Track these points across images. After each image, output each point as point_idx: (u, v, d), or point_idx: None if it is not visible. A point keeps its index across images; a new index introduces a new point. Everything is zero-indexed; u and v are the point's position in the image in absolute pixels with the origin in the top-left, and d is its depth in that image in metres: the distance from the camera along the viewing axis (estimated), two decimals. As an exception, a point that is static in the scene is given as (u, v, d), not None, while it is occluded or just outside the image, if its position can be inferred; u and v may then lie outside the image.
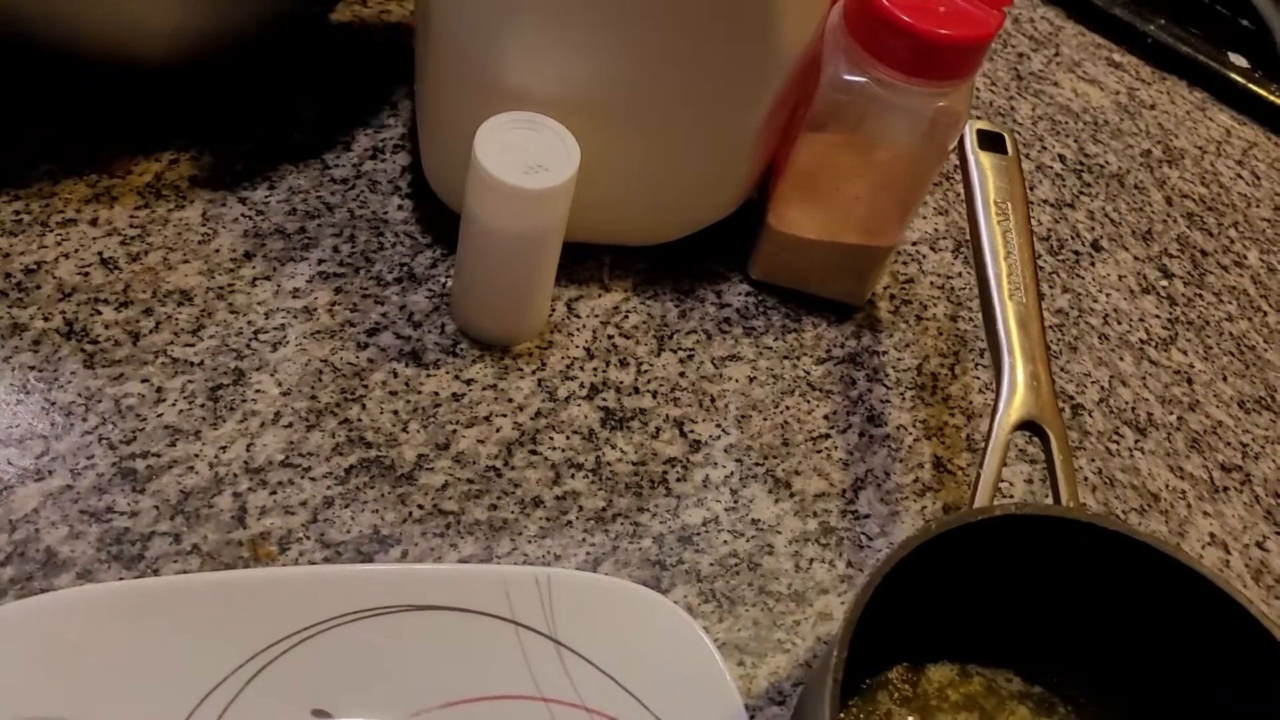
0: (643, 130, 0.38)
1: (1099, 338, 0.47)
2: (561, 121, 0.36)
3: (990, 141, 0.40)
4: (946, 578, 0.33)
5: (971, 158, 0.39)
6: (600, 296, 0.43)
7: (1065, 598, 0.34)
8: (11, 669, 0.29)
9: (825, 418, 0.41)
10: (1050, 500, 0.34)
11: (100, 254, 0.39)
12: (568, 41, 0.35)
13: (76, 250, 0.39)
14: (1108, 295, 0.49)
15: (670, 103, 0.37)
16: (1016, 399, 0.34)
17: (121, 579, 0.32)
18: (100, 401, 0.36)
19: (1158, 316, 0.49)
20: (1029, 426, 0.34)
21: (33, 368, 0.36)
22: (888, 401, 0.42)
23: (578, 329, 0.41)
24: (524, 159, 0.35)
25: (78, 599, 0.30)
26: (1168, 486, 0.43)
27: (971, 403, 0.43)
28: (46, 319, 0.37)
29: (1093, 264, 0.50)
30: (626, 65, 0.36)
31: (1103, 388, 0.46)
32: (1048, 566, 0.34)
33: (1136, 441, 0.44)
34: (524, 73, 0.36)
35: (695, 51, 0.35)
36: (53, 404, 0.35)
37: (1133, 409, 0.45)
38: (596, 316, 0.42)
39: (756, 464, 0.39)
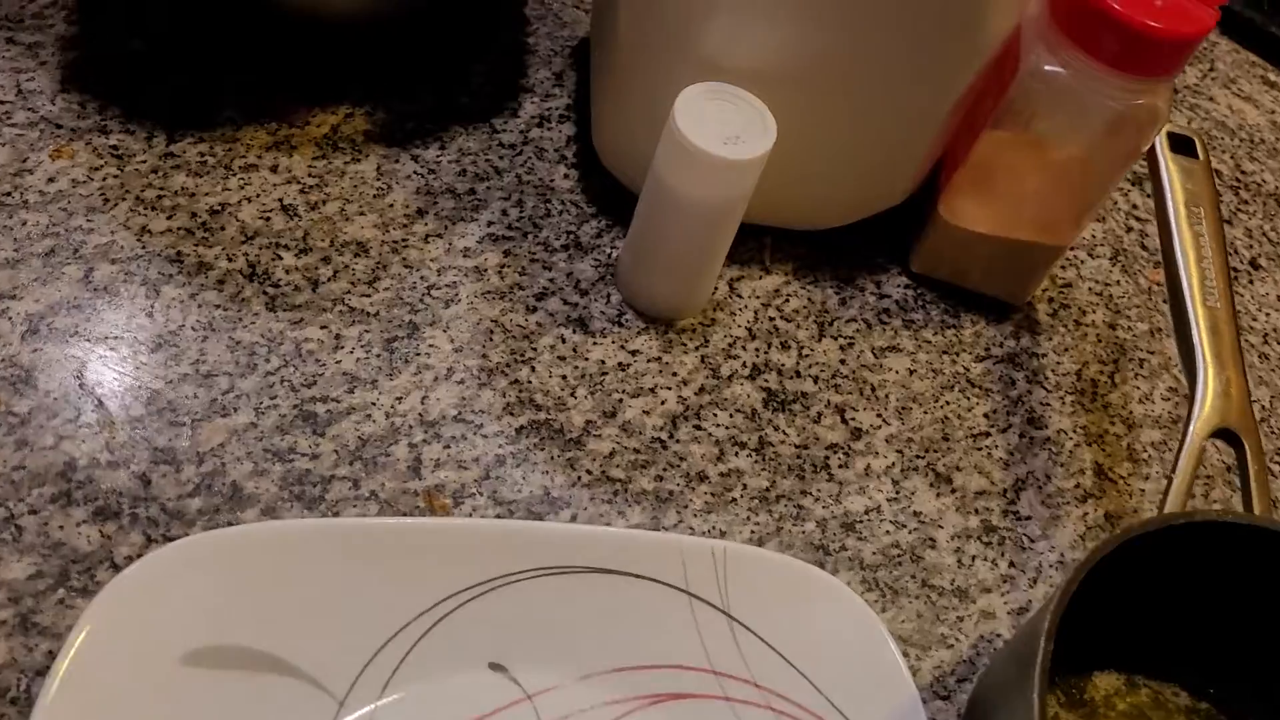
0: (833, 110, 0.37)
1: (1259, 356, 0.46)
2: (753, 94, 0.36)
3: (1179, 145, 0.40)
4: (1121, 583, 0.32)
5: (1162, 160, 0.38)
6: (761, 278, 0.42)
7: (1240, 611, 0.33)
8: (203, 596, 0.29)
9: (985, 416, 0.41)
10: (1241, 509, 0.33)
11: (280, 200, 0.39)
12: (774, 15, 0.35)
13: (258, 195, 0.39)
14: (1267, 314, 0.48)
15: (865, 83, 0.36)
16: (1208, 406, 0.34)
17: (304, 518, 0.33)
18: (282, 344, 0.36)
19: (1317, 340, 0.48)
20: (1222, 435, 0.33)
21: (218, 306, 0.36)
22: (1047, 405, 0.42)
23: (740, 309, 0.41)
24: (721, 130, 0.34)
25: (269, 533, 0.31)
26: (1332, 513, 0.42)
27: (1132, 412, 0.42)
28: (230, 259, 0.37)
29: (1251, 282, 0.49)
30: (828, 42, 0.35)
31: (1264, 407, 0.44)
32: (1226, 578, 0.33)
33: (1299, 464, 0.43)
34: (724, 45, 0.35)
35: (899, 32, 0.35)
36: (237, 343, 0.36)
37: (1294, 431, 0.44)
38: (758, 298, 0.42)
39: (917, 456, 0.39)
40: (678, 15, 0.36)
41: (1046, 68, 0.36)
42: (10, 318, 0.34)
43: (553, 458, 0.36)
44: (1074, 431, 0.41)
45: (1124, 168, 0.38)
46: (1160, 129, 0.37)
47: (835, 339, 0.41)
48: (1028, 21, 0.37)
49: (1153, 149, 0.39)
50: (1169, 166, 0.38)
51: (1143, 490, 0.40)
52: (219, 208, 0.38)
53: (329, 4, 0.39)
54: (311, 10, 0.40)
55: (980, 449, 0.40)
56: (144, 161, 0.39)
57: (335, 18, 0.41)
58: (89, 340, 0.34)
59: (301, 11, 0.40)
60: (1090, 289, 0.46)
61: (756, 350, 0.40)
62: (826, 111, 0.37)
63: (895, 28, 0.35)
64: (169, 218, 0.38)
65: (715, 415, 0.38)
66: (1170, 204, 0.37)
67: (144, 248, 0.37)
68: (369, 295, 0.38)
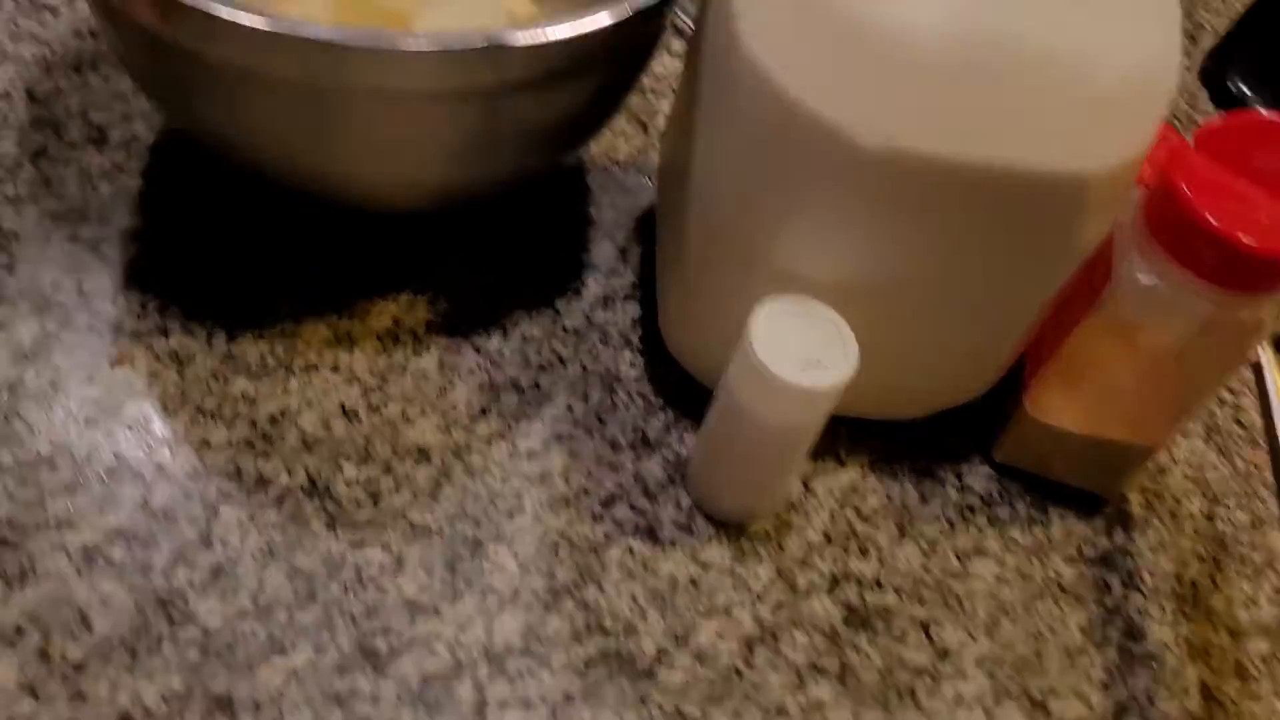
0: (915, 319, 0.35)
1: (1369, 547, 0.43)
2: (826, 302, 0.34)
3: (1283, 344, 0.37)
4: None
5: (1268, 369, 0.36)
6: (836, 472, 0.40)
7: None
8: None
9: (1080, 629, 0.38)
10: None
11: (342, 404, 0.38)
12: (849, 231, 0.33)
13: (319, 399, 0.38)
14: (1375, 496, 0.45)
15: (949, 294, 0.35)
16: (1335, 655, 0.31)
17: (364, 774, 0.31)
18: (342, 569, 0.35)
19: None
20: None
21: (276, 527, 0.35)
22: (1146, 613, 0.39)
23: (815, 508, 0.39)
24: (799, 352, 0.33)
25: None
26: None
27: (1237, 619, 0.40)
28: (290, 473, 0.36)
29: (1355, 458, 0.46)
30: (909, 256, 0.34)
31: (1379, 608, 0.41)
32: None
33: None
34: (797, 258, 0.34)
35: (986, 246, 0.33)
36: (297, 570, 0.34)
37: None
38: (834, 496, 0.40)
39: (1009, 679, 0.36)
40: (750, 228, 0.34)
41: (1141, 277, 0.34)
42: (68, 551, 0.33)
43: (623, 692, 0.34)
44: (1176, 644, 0.38)
45: (1225, 377, 0.36)
46: (1260, 341, 0.35)
47: (917, 541, 0.39)
48: (1120, 227, 0.35)
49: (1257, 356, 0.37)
50: (1275, 376, 0.36)
51: (1254, 713, 0.37)
52: (279, 415, 0.37)
53: (394, 198, 0.39)
54: (375, 204, 0.39)
55: (1076, 668, 0.37)
56: (204, 365, 0.38)
57: (399, 210, 0.40)
58: (145, 574, 0.33)
59: (365, 205, 0.39)
60: (1184, 474, 0.44)
61: (834, 559, 0.38)
62: (907, 318, 0.36)
63: (982, 242, 0.33)
64: (229, 428, 0.37)
65: (793, 636, 0.36)
66: (1277, 418, 0.35)
67: (203, 463, 0.36)
68: (431, 510, 0.36)
